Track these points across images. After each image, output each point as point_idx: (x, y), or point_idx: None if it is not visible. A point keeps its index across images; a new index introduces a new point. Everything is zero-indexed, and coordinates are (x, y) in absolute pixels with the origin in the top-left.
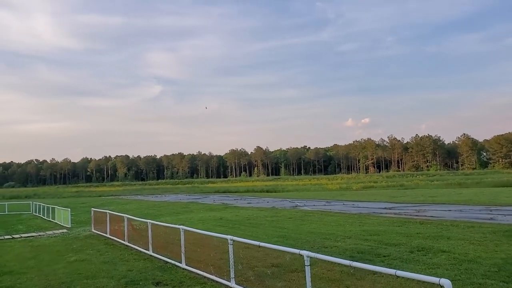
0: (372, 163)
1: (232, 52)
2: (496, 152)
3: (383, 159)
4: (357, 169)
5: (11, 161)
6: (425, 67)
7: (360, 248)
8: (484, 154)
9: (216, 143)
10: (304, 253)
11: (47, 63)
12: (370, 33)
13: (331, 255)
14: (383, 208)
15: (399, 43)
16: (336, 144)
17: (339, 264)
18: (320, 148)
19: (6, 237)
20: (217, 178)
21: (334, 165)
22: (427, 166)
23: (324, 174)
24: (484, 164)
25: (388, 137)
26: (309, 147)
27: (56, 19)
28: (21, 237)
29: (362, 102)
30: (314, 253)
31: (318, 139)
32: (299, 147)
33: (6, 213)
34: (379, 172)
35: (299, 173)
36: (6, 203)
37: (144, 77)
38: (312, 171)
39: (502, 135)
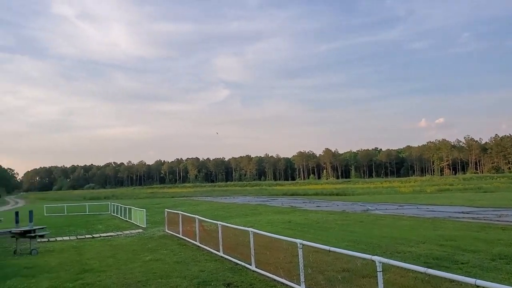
0: (447, 165)
1: (298, 54)
2: None
3: (459, 161)
4: (431, 171)
5: (91, 164)
6: (504, 63)
7: (435, 254)
8: None
9: (283, 146)
10: (376, 258)
11: (123, 70)
12: (443, 29)
13: (404, 261)
14: (459, 212)
15: (475, 39)
16: (409, 146)
17: (413, 270)
18: (392, 149)
19: (87, 236)
20: (284, 180)
21: (407, 167)
22: (509, 168)
23: (396, 177)
24: None
25: (464, 137)
26: (381, 149)
27: (132, 28)
28: (101, 236)
29: (436, 101)
30: (387, 259)
31: (390, 140)
32: (370, 149)
33: (87, 213)
34: (455, 174)
35: (370, 175)
36: (87, 204)
37: (213, 81)
38: (384, 174)
39: None
